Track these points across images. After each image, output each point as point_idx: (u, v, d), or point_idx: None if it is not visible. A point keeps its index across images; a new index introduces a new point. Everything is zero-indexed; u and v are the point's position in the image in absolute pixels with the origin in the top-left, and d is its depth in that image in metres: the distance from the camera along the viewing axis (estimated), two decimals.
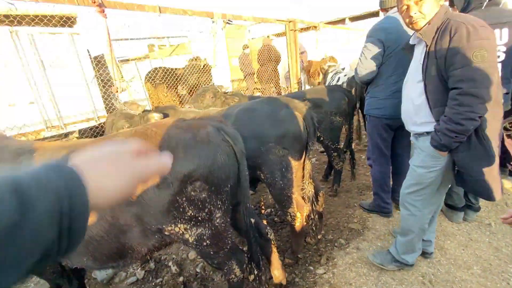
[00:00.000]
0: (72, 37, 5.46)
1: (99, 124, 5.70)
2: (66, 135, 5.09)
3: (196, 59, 4.95)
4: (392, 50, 2.14)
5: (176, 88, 4.55)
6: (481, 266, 1.89)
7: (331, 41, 7.89)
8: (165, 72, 4.82)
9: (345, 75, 4.29)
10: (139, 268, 2.29)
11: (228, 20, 3.78)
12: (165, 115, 2.42)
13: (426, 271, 1.87)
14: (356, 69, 2.34)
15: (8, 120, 4.55)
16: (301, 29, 8.42)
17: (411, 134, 1.75)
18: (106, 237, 1.31)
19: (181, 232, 1.27)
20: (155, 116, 2.41)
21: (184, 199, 1.20)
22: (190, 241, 1.30)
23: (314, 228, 2.31)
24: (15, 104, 4.84)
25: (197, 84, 4.51)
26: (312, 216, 2.23)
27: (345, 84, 4.08)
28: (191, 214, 1.23)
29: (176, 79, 4.60)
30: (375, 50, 2.16)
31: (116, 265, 1.54)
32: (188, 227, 1.27)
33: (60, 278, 1.82)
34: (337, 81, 4.36)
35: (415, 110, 1.61)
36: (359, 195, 2.99)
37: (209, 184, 1.24)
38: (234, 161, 1.34)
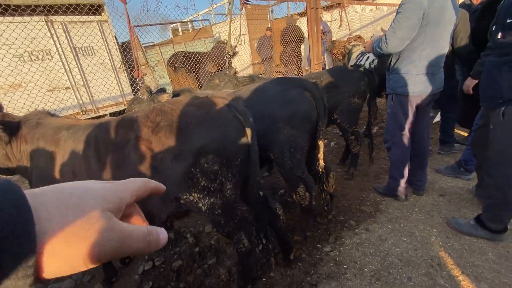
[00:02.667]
0: (101, 25, 5.75)
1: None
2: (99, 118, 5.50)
3: (223, 43, 5.03)
4: (431, 20, 1.96)
5: (195, 72, 4.67)
6: (497, 252, 1.85)
7: (358, 20, 7.47)
8: (184, 57, 4.95)
9: None
10: None
11: (246, 1, 3.74)
12: (176, 95, 2.54)
13: (436, 255, 1.87)
14: (383, 39, 2.10)
15: (49, 104, 4.98)
16: (325, 7, 8.03)
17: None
18: None
19: (195, 200, 1.40)
20: (165, 97, 2.53)
21: (198, 170, 1.32)
22: (203, 209, 1.43)
23: (325, 209, 2.37)
24: (54, 89, 5.29)
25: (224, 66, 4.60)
26: (323, 196, 2.29)
27: (374, 63, 3.82)
28: (204, 184, 1.35)
29: (195, 63, 4.71)
30: (413, 17, 1.94)
31: None
32: (201, 197, 1.39)
33: None
34: (366, 61, 4.10)
35: None
36: (376, 179, 2.96)
37: (220, 157, 1.34)
38: (244, 136, 1.42)
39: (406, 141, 2.36)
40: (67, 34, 5.32)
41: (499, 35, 1.72)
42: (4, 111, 1.88)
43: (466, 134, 3.55)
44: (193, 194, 1.38)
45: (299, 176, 1.96)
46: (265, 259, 1.77)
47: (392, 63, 2.27)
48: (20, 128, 1.76)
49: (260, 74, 6.07)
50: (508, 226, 1.93)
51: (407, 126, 2.31)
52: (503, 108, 1.72)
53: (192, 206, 1.44)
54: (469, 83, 2.63)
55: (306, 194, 2.01)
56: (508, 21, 1.64)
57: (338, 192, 2.75)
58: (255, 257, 1.88)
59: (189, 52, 4.94)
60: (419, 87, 2.15)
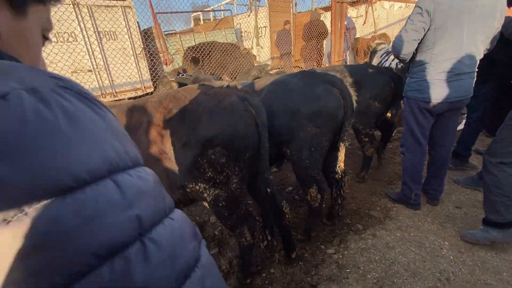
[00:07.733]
0: (124, 10, 5.84)
1: (145, 94, 6.19)
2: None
3: (235, 46, 4.99)
4: (439, 25, 1.86)
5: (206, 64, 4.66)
6: None
7: (385, 17, 7.11)
8: (211, 46, 4.92)
9: None
10: None
11: None
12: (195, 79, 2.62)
13: (446, 268, 1.78)
14: (393, 43, 2.08)
15: None
16: (351, 2, 7.74)
17: None
18: None
19: (200, 190, 1.40)
20: (174, 86, 2.62)
21: (204, 161, 1.31)
22: (208, 200, 1.43)
23: (333, 211, 2.32)
24: (77, 72, 5.46)
25: (238, 69, 4.54)
26: (339, 201, 2.21)
27: (400, 64, 3.60)
28: (210, 175, 1.35)
29: (207, 54, 4.70)
30: (416, 21, 1.91)
31: None
32: (207, 187, 1.39)
33: None
34: (392, 61, 3.86)
35: None
36: (388, 184, 2.86)
37: (228, 151, 1.32)
38: (255, 132, 1.40)
39: (419, 147, 2.25)
40: (92, 17, 5.45)
41: None
42: None
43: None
44: (199, 184, 1.38)
45: (314, 176, 1.89)
46: (269, 255, 1.76)
47: (410, 67, 2.19)
48: None
49: (280, 69, 5.97)
50: None
51: (419, 132, 2.21)
52: None
53: (198, 196, 1.45)
54: None
55: (318, 196, 1.95)
56: None
57: (348, 195, 2.67)
58: (258, 252, 1.88)
59: (206, 45, 4.93)
60: (429, 93, 2.03)
